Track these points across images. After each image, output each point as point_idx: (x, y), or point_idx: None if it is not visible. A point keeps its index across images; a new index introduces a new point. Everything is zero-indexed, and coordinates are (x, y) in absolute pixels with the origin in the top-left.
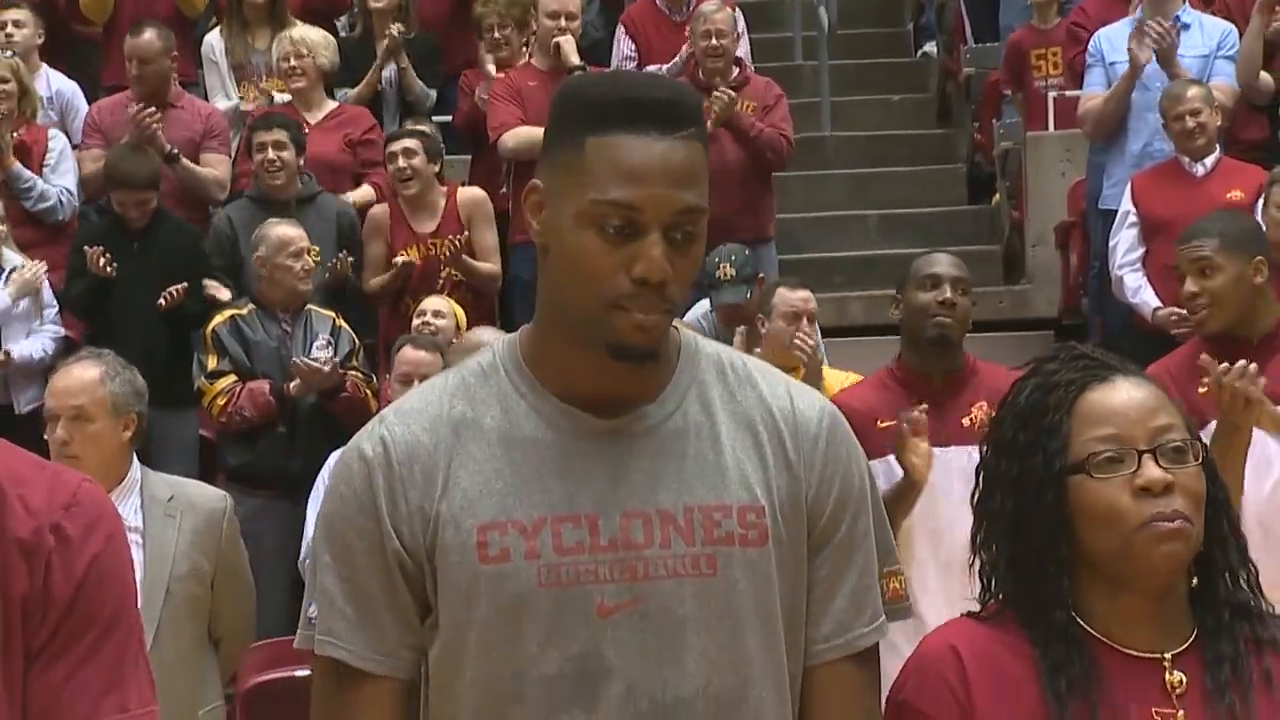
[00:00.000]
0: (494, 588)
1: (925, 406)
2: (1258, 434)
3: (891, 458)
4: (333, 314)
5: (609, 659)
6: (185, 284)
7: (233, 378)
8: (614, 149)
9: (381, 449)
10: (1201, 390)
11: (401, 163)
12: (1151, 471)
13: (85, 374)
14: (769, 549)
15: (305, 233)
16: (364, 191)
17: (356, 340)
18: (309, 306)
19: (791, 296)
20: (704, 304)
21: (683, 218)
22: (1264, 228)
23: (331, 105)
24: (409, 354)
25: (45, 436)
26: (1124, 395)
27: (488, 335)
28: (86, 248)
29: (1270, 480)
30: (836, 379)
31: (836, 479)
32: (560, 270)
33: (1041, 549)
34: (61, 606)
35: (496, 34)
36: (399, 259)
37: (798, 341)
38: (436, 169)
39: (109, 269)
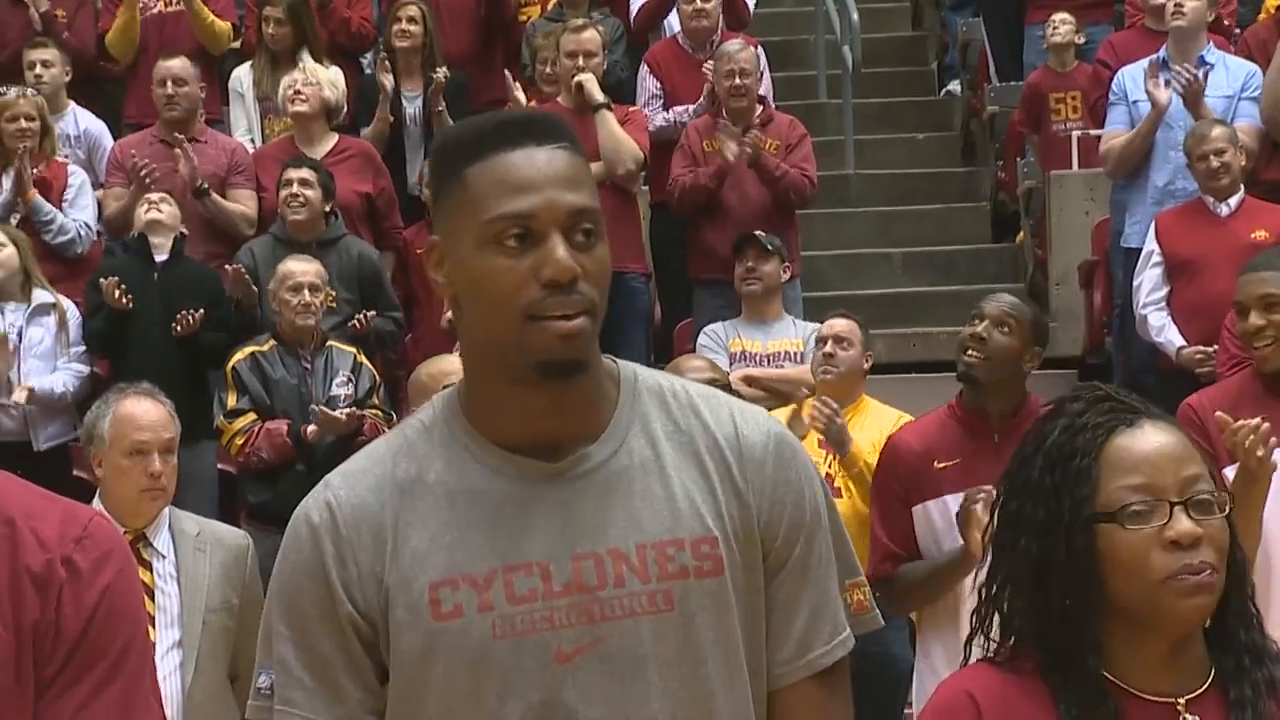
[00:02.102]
0: (450, 645)
1: (989, 489)
2: None
3: (948, 498)
4: (354, 350)
5: (571, 704)
6: (202, 310)
7: (252, 416)
8: (496, 168)
9: (328, 514)
10: (1238, 423)
11: None
12: (1183, 525)
13: (161, 409)
14: (725, 578)
15: (323, 271)
16: None
17: (378, 377)
18: (330, 343)
19: (827, 323)
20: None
21: (578, 218)
22: None
23: (332, 141)
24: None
25: (85, 468)
26: (1153, 442)
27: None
28: (102, 280)
29: None
30: (889, 417)
31: (787, 502)
32: (472, 306)
33: (1069, 595)
34: (71, 639)
35: (549, 69)
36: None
37: (813, 413)
38: None
39: (125, 299)
